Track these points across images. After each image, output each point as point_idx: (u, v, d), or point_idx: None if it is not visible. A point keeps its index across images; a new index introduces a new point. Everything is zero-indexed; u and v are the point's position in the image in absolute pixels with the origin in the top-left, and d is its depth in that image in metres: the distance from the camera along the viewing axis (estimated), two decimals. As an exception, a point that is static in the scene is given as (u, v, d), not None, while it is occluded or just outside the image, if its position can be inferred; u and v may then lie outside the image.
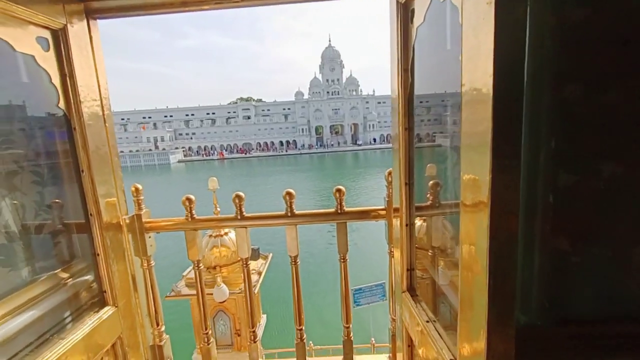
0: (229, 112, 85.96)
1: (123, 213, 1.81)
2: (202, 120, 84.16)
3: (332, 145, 78.58)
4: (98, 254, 1.57)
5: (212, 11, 1.71)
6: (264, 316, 5.69)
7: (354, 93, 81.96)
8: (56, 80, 1.39)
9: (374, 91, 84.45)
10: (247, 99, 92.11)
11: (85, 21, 1.53)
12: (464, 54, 0.78)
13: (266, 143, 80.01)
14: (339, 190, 1.87)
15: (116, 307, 1.63)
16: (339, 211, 1.89)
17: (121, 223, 1.77)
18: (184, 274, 3.58)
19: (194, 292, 4.68)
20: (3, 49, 1.20)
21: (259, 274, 6.88)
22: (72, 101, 1.43)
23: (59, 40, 1.40)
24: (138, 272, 1.90)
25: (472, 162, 0.77)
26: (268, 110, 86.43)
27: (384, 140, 79.07)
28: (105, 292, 1.60)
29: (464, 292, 0.88)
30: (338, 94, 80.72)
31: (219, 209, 7.80)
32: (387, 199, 1.85)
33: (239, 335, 5.36)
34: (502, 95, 0.67)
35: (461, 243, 0.86)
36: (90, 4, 1.55)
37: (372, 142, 79.16)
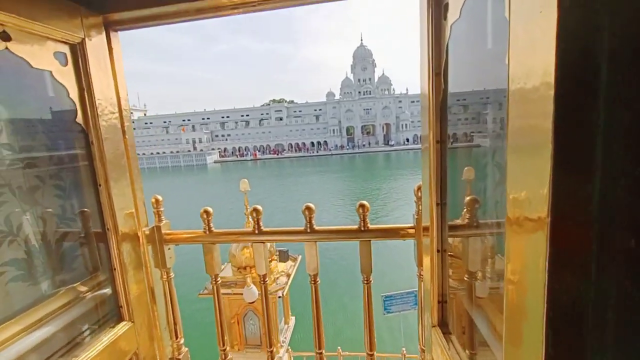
0: (262, 114, 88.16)
1: (143, 225, 1.79)
2: (236, 122, 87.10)
3: (363, 145, 77.70)
4: (115, 269, 1.56)
5: (241, 15, 1.65)
6: (293, 318, 5.63)
7: (386, 92, 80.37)
8: (74, 94, 1.38)
9: (407, 90, 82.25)
10: (280, 101, 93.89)
11: (104, 34, 1.53)
12: (512, 49, 0.61)
13: (297, 144, 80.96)
14: (362, 206, 1.72)
15: (132, 322, 1.61)
16: (363, 228, 1.74)
17: (140, 235, 1.76)
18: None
19: (226, 291, 4.75)
20: (20, 65, 1.20)
21: (288, 275, 6.86)
22: (89, 115, 1.42)
23: (77, 54, 1.40)
24: (157, 283, 1.89)
25: (524, 168, 0.59)
26: (300, 111, 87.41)
27: (417, 141, 76.67)
28: (121, 307, 1.59)
29: (511, 333, 0.69)
30: (370, 94, 79.62)
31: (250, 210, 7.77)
32: (416, 217, 1.67)
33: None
34: (567, 90, 0.50)
35: (507, 272, 0.67)
36: (110, 17, 1.54)
37: (405, 143, 77.12)
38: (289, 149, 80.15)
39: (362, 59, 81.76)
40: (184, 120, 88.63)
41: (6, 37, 1.12)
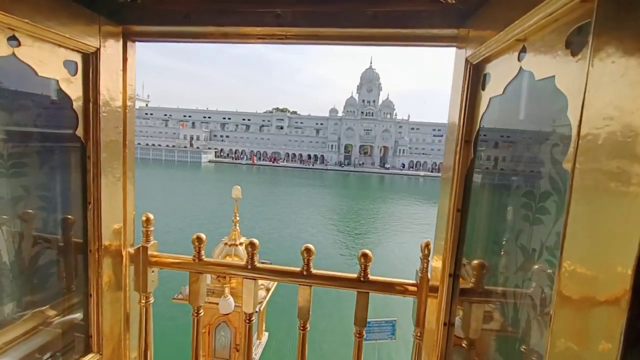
0: (263, 120, 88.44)
1: (128, 244, 1.68)
2: (237, 125, 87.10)
3: (360, 164, 78.14)
4: (90, 295, 1.43)
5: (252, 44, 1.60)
6: (266, 334, 5.41)
7: (389, 116, 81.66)
8: (78, 105, 1.29)
9: (408, 116, 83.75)
10: (283, 110, 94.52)
11: (120, 43, 1.45)
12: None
13: (295, 154, 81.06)
14: (364, 256, 1.63)
15: (100, 354, 1.47)
16: (362, 278, 1.64)
17: (124, 254, 1.63)
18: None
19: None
20: (25, 72, 1.11)
21: (267, 290, 6.64)
22: (91, 128, 1.33)
23: (89, 64, 1.32)
24: (134, 308, 1.75)
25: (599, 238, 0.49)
26: (301, 122, 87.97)
27: (412, 167, 77.57)
28: (91, 337, 1.45)
29: None
30: (372, 115, 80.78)
31: (238, 218, 7.64)
32: (420, 274, 1.59)
33: (237, 351, 5.12)
34: None
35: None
36: (130, 28, 1.47)
37: (401, 168, 77.83)
38: (285, 159, 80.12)
39: (369, 80, 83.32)
40: (184, 116, 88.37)
41: (15, 42, 1.04)
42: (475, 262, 1.14)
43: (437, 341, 1.23)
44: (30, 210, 1.26)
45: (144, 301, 1.77)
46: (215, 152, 79.90)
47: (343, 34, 1.47)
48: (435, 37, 1.34)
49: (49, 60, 1.16)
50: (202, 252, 1.76)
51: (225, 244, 8.00)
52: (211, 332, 4.85)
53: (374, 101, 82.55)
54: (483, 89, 1.07)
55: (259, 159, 78.44)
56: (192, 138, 79.93)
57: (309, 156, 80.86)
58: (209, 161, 74.05)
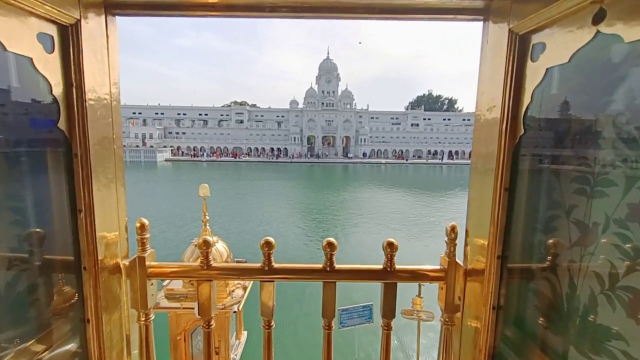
0: (222, 115, 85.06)
1: (123, 255, 1.44)
2: (193, 121, 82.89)
3: (324, 155, 78.58)
4: (88, 320, 1.19)
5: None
6: (245, 333, 5.26)
7: (349, 106, 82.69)
8: (58, 91, 1.04)
9: (367, 106, 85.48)
10: (242, 103, 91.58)
11: (103, 16, 1.20)
12: None
13: (257, 148, 79.29)
14: (390, 245, 1.56)
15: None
16: (389, 268, 1.57)
17: (121, 268, 1.40)
18: (164, 284, 3.25)
19: (174, 305, 4.29)
20: (-12, 46, 0.85)
21: (245, 289, 6.44)
22: (76, 119, 1.08)
23: (68, 40, 1.06)
24: (133, 327, 1.52)
25: None
26: (262, 116, 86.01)
27: (373, 155, 79.70)
28: (92, 368, 1.22)
29: None
30: (332, 106, 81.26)
31: (207, 217, 7.30)
32: (447, 258, 1.55)
33: (217, 354, 4.90)
34: None
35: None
36: (111, -2, 1.22)
37: (363, 156, 79.63)
38: (247, 153, 78.09)
39: (328, 71, 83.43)
40: (134, 113, 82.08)
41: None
42: (528, 241, 1.11)
43: (486, 326, 1.20)
44: (5, 224, 1.00)
45: (143, 319, 1.55)
46: (172, 150, 75.57)
47: (346, 4, 1.34)
48: (463, 9, 1.27)
49: (18, 32, 0.90)
50: (210, 257, 1.57)
51: (196, 245, 7.58)
52: (187, 339, 4.60)
53: (333, 92, 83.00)
54: (533, 59, 1.02)
55: (220, 155, 75.65)
56: (144, 136, 74.72)
57: (272, 149, 79.62)
58: (166, 160, 69.90)
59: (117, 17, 1.35)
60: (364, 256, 16.47)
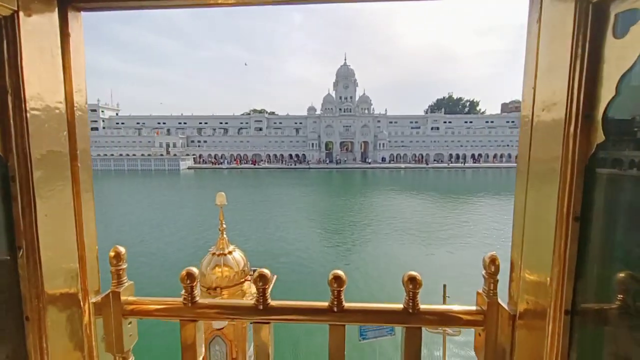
0: (241, 123, 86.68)
1: (92, 291, 1.22)
2: (214, 129, 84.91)
3: (343, 161, 78.16)
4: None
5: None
6: None
7: (366, 111, 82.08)
8: (-13, 99, 0.84)
9: (386, 110, 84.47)
10: (261, 111, 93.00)
11: (55, 12, 1.00)
12: None
13: (276, 155, 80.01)
14: (412, 280, 1.25)
15: None
16: (411, 310, 1.26)
17: (86, 310, 1.18)
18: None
19: None
20: None
21: (264, 289, 6.12)
22: (13, 135, 0.87)
23: (2, 36, 0.86)
24: (109, 373, 1.30)
25: None
26: (280, 123, 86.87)
27: (392, 160, 78.41)
28: None
29: None
30: (350, 111, 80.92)
31: (224, 225, 7.11)
32: (486, 299, 1.22)
33: None
34: None
35: None
36: (67, -13, 1.02)
37: (382, 161, 78.49)
38: (266, 160, 78.94)
39: (345, 77, 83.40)
40: (159, 123, 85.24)
41: None
42: (608, 291, 0.78)
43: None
44: None
45: (120, 363, 1.32)
46: (194, 158, 77.64)
47: None
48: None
49: None
50: (196, 293, 1.32)
51: (213, 254, 7.47)
52: (206, 348, 4.47)
53: (350, 97, 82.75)
54: (617, 35, 0.71)
55: (240, 162, 76.93)
56: (168, 145, 77.29)
57: (290, 156, 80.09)
58: (188, 168, 71.85)
59: (82, 12, 1.16)
60: (381, 266, 15.90)
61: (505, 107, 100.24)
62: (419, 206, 32.66)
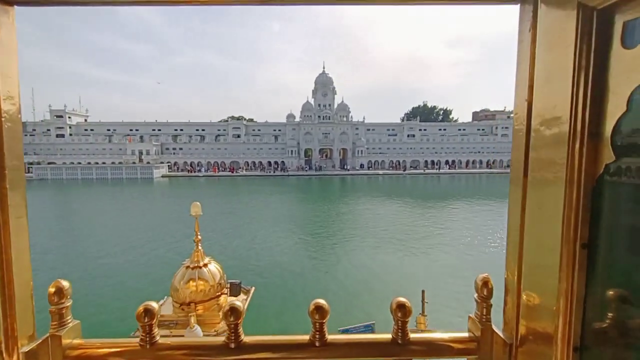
0: (218, 130, 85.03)
1: (24, 337, 1.02)
2: (190, 136, 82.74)
3: (321, 167, 78.35)
4: None
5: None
6: None
7: (345, 119, 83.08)
8: None
9: (364, 118, 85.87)
10: (239, 118, 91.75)
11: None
12: None
13: (254, 162, 79.00)
14: (401, 307, 1.14)
15: None
16: (400, 340, 1.15)
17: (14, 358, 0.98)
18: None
19: (165, 332, 3.78)
20: None
21: (247, 293, 5.98)
22: None
23: None
24: None
25: None
26: (259, 130, 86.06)
27: (371, 166, 79.54)
28: None
29: None
30: (329, 119, 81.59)
31: (200, 237, 6.77)
32: (479, 325, 1.13)
33: None
34: None
35: None
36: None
37: (360, 168, 79.43)
38: (245, 167, 77.70)
39: (323, 85, 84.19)
40: (131, 130, 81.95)
41: None
42: (620, 329, 0.70)
43: None
44: None
45: (64, 419, 1.11)
46: (169, 165, 75.10)
47: None
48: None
49: None
50: (155, 331, 1.14)
51: (187, 267, 7.05)
52: None
53: (329, 105, 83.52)
54: (627, 45, 0.65)
55: (217, 169, 75.22)
56: (141, 153, 74.35)
57: (269, 163, 79.32)
58: (162, 176, 69.33)
59: (15, 7, 0.98)
60: (363, 272, 15.88)
61: (476, 116, 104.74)
62: (399, 212, 33.15)
